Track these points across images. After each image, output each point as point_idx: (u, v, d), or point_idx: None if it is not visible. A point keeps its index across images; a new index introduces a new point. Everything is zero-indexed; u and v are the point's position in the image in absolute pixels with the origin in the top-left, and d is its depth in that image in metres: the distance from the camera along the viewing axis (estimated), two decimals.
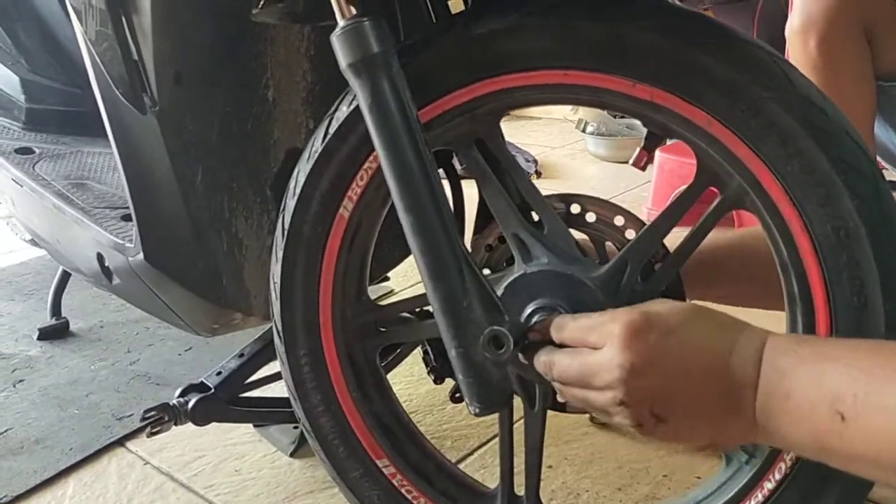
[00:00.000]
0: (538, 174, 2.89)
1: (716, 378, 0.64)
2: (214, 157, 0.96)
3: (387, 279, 1.73)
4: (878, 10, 1.25)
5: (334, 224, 0.86)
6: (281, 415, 1.27)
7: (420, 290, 0.76)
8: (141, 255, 1.00)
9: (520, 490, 0.91)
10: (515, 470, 0.90)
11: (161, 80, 0.90)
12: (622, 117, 2.98)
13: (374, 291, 0.92)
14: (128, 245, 1.04)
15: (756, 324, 0.68)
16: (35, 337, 1.75)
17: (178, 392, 1.20)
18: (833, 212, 0.69)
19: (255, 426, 1.40)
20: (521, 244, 0.81)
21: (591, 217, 0.84)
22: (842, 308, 0.71)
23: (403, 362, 1.35)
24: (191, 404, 1.17)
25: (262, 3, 0.85)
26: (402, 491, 0.92)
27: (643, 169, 0.83)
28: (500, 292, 0.79)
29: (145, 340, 1.74)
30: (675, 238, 0.79)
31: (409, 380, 1.53)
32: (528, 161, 2.95)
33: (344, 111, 0.82)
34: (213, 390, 1.20)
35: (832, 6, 1.24)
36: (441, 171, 1.06)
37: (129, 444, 1.38)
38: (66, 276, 1.79)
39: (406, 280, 1.90)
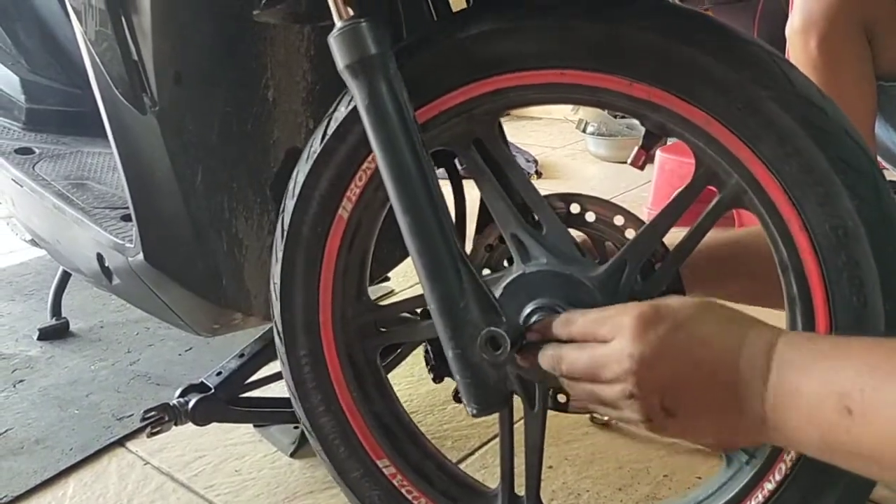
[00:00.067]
0: (538, 174, 2.90)
1: (725, 371, 0.64)
2: (214, 157, 0.96)
3: (387, 279, 1.73)
4: (878, 10, 1.25)
5: (333, 224, 0.86)
6: (281, 415, 1.27)
7: (420, 290, 0.76)
8: (141, 256, 1.00)
9: (520, 490, 0.91)
10: (516, 470, 0.90)
11: (161, 80, 0.90)
12: (623, 117, 2.99)
13: (374, 292, 0.92)
14: (128, 245, 1.04)
15: None
16: (35, 337, 1.75)
17: (178, 392, 1.20)
18: (832, 211, 0.69)
19: (255, 426, 1.40)
20: (519, 244, 0.81)
21: (590, 217, 0.84)
22: (841, 307, 0.71)
23: (404, 362, 1.35)
24: (191, 404, 1.17)
25: (263, 3, 0.85)
26: (403, 491, 0.92)
27: (642, 168, 0.83)
28: (498, 293, 0.79)
29: (145, 340, 1.74)
30: (675, 238, 0.79)
31: (409, 380, 1.53)
32: (529, 161, 2.95)
33: (342, 112, 0.83)
34: (213, 390, 1.20)
35: (832, 6, 1.24)
36: (443, 171, 1.06)
37: (130, 445, 1.38)
38: (66, 277, 1.79)
39: (406, 280, 1.90)
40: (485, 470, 1.27)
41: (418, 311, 0.94)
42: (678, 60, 0.72)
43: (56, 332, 1.76)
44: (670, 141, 2.08)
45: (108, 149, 1.03)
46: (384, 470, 0.92)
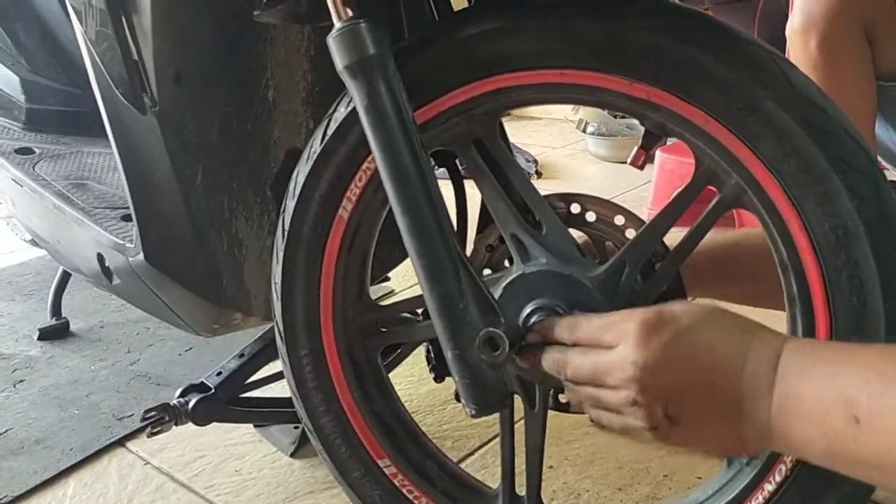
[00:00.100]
0: (538, 174, 2.90)
1: (729, 379, 0.64)
2: (214, 157, 0.96)
3: (387, 279, 1.73)
4: (878, 10, 1.25)
5: (334, 225, 0.86)
6: (281, 415, 1.27)
7: (421, 290, 0.76)
8: (141, 256, 1.00)
9: (521, 490, 0.91)
10: (516, 470, 0.90)
11: (161, 80, 0.90)
12: (623, 117, 2.99)
13: (374, 292, 0.92)
14: (128, 245, 1.04)
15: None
16: (35, 337, 1.75)
17: (178, 392, 1.20)
18: (832, 211, 0.69)
19: (255, 426, 1.40)
20: (519, 244, 0.81)
21: (591, 216, 0.84)
22: (841, 308, 0.71)
23: (404, 362, 1.35)
24: (191, 404, 1.17)
25: (264, 3, 0.85)
26: (404, 491, 0.92)
27: (641, 168, 0.83)
28: (498, 293, 0.79)
29: (146, 341, 1.74)
30: (675, 238, 0.79)
31: (409, 380, 1.53)
32: (529, 161, 2.95)
33: (342, 112, 0.83)
34: (213, 390, 1.20)
35: (833, 6, 1.24)
36: (444, 171, 1.06)
37: (130, 445, 1.38)
38: (66, 277, 1.79)
39: (406, 280, 1.90)
40: (485, 470, 1.27)
41: (419, 311, 0.94)
42: (678, 60, 0.72)
43: (56, 332, 1.76)
44: (670, 141, 2.08)
45: (108, 149, 1.03)
46: (385, 470, 0.92)
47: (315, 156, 0.84)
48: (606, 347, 0.68)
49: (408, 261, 0.76)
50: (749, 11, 2.05)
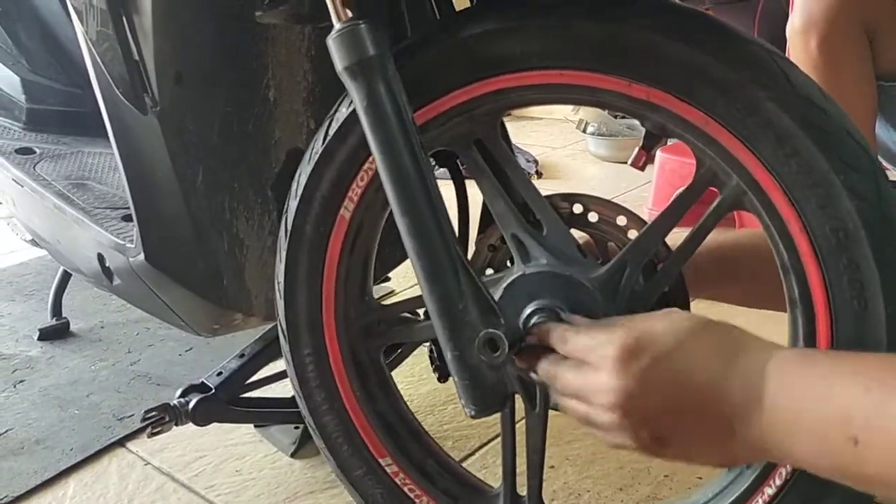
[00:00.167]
0: (539, 174, 2.90)
1: (714, 397, 0.63)
2: (215, 158, 0.96)
3: (388, 279, 1.73)
4: (878, 10, 1.25)
5: (335, 225, 0.86)
6: (282, 415, 1.27)
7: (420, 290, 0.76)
8: (141, 256, 1.00)
9: (522, 490, 0.91)
10: (517, 470, 0.90)
11: (162, 80, 0.90)
12: (623, 117, 2.99)
13: (374, 291, 0.92)
14: (128, 245, 1.04)
15: (761, 324, 0.67)
16: (35, 337, 1.75)
17: (178, 392, 1.20)
18: (832, 212, 0.69)
19: (255, 426, 1.40)
20: (520, 245, 0.81)
21: (593, 217, 0.83)
22: (842, 310, 0.71)
23: (404, 362, 1.35)
24: (191, 405, 1.17)
25: (266, 3, 0.85)
26: (405, 489, 0.92)
27: (642, 169, 0.83)
28: (499, 293, 0.79)
29: (146, 341, 1.74)
30: (676, 239, 0.79)
31: (410, 380, 1.53)
32: (529, 161, 2.95)
33: (343, 112, 0.83)
34: (213, 391, 1.20)
35: (833, 6, 1.24)
36: (445, 171, 1.06)
37: (130, 445, 1.38)
38: (66, 277, 1.79)
39: (407, 280, 1.90)
40: (485, 470, 1.27)
41: (421, 311, 0.94)
42: (678, 60, 0.72)
43: (56, 333, 1.76)
44: (671, 141, 2.08)
45: (108, 149, 1.03)
46: (387, 468, 0.92)
47: (317, 156, 0.84)
48: (593, 367, 0.67)
49: (408, 261, 0.76)
50: (749, 11, 2.05)
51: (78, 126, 1.59)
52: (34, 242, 1.64)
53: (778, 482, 0.76)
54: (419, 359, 1.49)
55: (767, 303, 0.92)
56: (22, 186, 1.31)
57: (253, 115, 0.97)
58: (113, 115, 0.97)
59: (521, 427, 0.87)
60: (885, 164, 1.44)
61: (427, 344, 0.99)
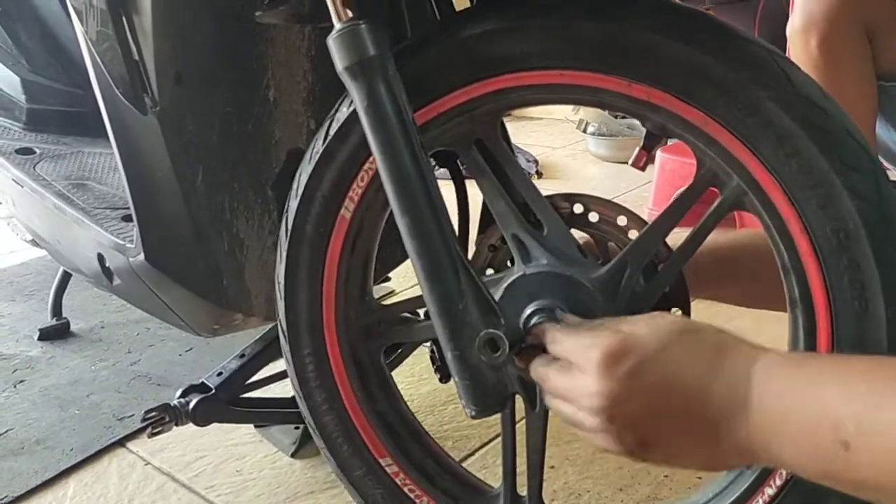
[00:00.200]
0: (539, 174, 2.90)
1: (698, 403, 0.62)
2: (215, 158, 0.96)
3: (388, 279, 1.73)
4: (879, 10, 1.25)
5: (336, 225, 0.86)
6: (282, 415, 1.27)
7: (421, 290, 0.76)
8: (141, 256, 1.00)
9: (522, 490, 0.91)
10: (518, 470, 0.90)
11: (162, 80, 0.90)
12: (623, 117, 2.99)
13: (375, 292, 0.92)
14: (128, 245, 1.04)
15: (761, 324, 0.67)
16: (36, 337, 1.75)
17: (178, 392, 1.20)
18: (833, 213, 0.69)
19: (255, 427, 1.40)
20: (520, 245, 0.81)
21: (593, 217, 0.83)
22: (842, 311, 0.70)
23: (405, 362, 1.35)
24: (192, 405, 1.17)
25: (266, 3, 0.85)
26: (405, 490, 0.92)
27: (643, 169, 0.83)
28: (499, 293, 0.79)
29: (146, 341, 1.74)
30: (677, 239, 0.78)
31: (410, 380, 1.53)
32: (529, 161, 2.95)
33: (344, 112, 0.83)
34: (214, 391, 1.20)
35: (833, 6, 1.24)
36: (445, 171, 1.06)
37: (130, 445, 1.38)
38: (66, 277, 1.79)
39: (407, 280, 1.90)
40: (486, 470, 1.27)
41: (421, 311, 0.94)
42: (678, 60, 0.71)
43: (57, 333, 1.76)
44: (671, 141, 2.08)
45: (108, 149, 1.03)
46: (387, 468, 0.92)
47: (317, 156, 0.84)
48: (579, 369, 0.67)
49: (408, 261, 0.76)
50: (750, 11, 2.05)
51: (78, 126, 1.59)
52: (34, 242, 1.64)
53: (778, 482, 0.76)
54: (419, 359, 1.49)
55: (768, 303, 0.92)
56: (22, 186, 1.31)
57: (253, 115, 0.97)
58: (113, 116, 0.97)
59: (521, 427, 0.87)
60: (885, 163, 1.44)
61: (428, 344, 0.99)
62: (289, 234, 0.87)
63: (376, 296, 0.94)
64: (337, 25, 0.72)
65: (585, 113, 3.13)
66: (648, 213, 2.26)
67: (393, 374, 0.96)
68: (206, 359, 1.64)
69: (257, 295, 1.03)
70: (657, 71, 0.72)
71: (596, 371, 0.64)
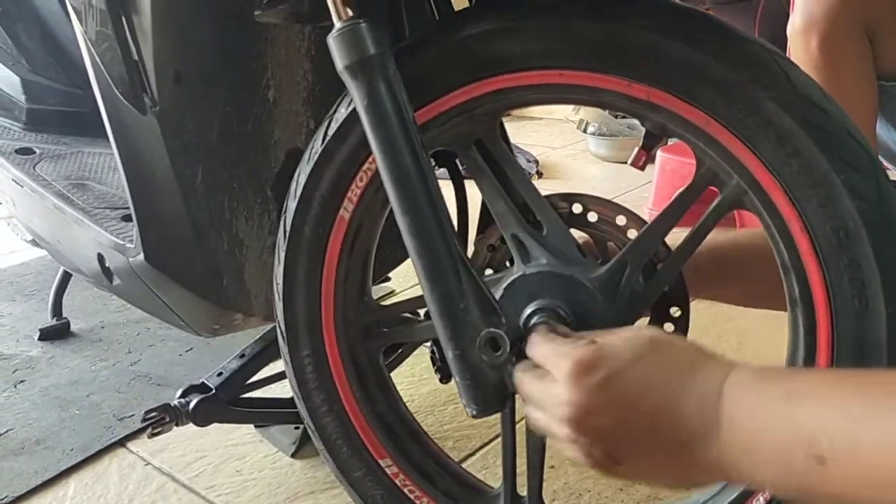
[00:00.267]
0: (539, 174, 2.90)
1: (670, 417, 0.61)
2: (215, 158, 0.96)
3: (387, 279, 1.73)
4: (879, 10, 1.25)
5: (335, 225, 0.86)
6: (282, 415, 1.27)
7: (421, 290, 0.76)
8: (141, 256, 1.00)
9: (522, 490, 0.91)
10: (518, 470, 0.90)
11: (161, 80, 0.90)
12: (623, 117, 2.98)
13: (374, 292, 0.92)
14: (128, 245, 1.04)
15: (761, 324, 0.67)
16: (36, 337, 1.75)
17: (179, 393, 1.20)
18: (833, 212, 0.69)
19: (256, 427, 1.40)
20: (520, 245, 0.80)
21: (593, 217, 0.83)
22: (842, 309, 0.70)
23: (405, 363, 1.35)
24: (192, 405, 1.17)
25: (265, 3, 0.85)
26: (405, 491, 0.92)
27: (642, 169, 0.83)
28: (499, 293, 0.79)
29: (146, 341, 1.74)
30: (676, 238, 0.78)
31: (410, 380, 1.53)
32: (530, 161, 2.95)
33: (343, 112, 0.82)
34: (214, 391, 1.20)
35: (834, 6, 1.24)
36: (444, 171, 1.06)
37: (131, 445, 1.38)
38: (66, 277, 1.79)
39: (407, 280, 1.90)
40: (486, 470, 1.27)
41: (420, 311, 0.94)
42: (678, 60, 0.71)
43: (57, 333, 1.76)
44: (671, 141, 2.08)
45: (108, 149, 1.03)
46: (386, 469, 0.92)
47: (316, 156, 0.84)
48: (552, 377, 0.66)
49: (408, 261, 0.76)
50: (750, 11, 2.05)
51: (78, 126, 1.59)
52: (34, 243, 1.64)
53: None
54: (419, 359, 1.49)
55: (767, 302, 0.92)
56: (22, 186, 1.31)
57: (252, 115, 0.97)
58: (112, 116, 0.97)
59: (521, 427, 0.87)
60: (885, 163, 1.44)
61: (428, 344, 0.99)
62: (287, 234, 0.87)
63: (376, 296, 0.94)
64: (337, 24, 0.72)
65: (585, 113, 3.13)
66: (648, 212, 2.26)
67: (393, 374, 0.96)
68: (207, 359, 1.64)
69: (257, 295, 1.03)
70: (657, 71, 0.72)
71: (566, 380, 0.63)
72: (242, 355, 1.25)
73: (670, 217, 0.77)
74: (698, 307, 0.84)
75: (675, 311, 0.82)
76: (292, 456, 1.32)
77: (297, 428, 1.34)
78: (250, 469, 1.30)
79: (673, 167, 2.21)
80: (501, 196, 0.81)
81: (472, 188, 0.93)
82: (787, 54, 1.22)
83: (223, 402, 1.20)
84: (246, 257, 1.01)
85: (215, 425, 1.23)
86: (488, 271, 0.88)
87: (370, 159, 0.82)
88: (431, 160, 0.98)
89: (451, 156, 1.06)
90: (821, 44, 1.25)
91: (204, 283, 1.00)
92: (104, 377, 1.59)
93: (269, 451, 1.35)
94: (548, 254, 0.79)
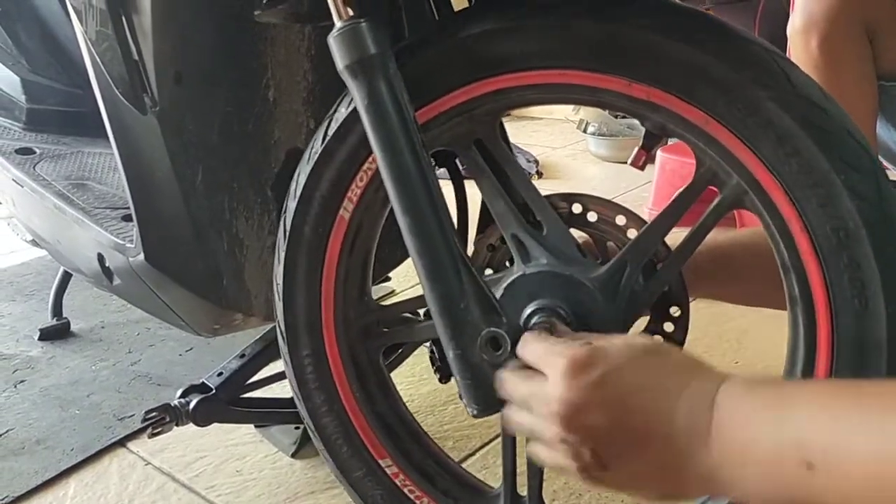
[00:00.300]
0: (539, 174, 2.90)
1: (659, 422, 0.60)
2: (215, 157, 0.96)
3: (388, 279, 1.73)
4: (879, 10, 1.25)
5: (335, 225, 0.86)
6: (282, 415, 1.27)
7: (422, 290, 0.76)
8: (141, 256, 1.00)
9: (522, 490, 0.91)
10: (518, 470, 0.90)
11: (161, 80, 0.90)
12: (623, 117, 2.99)
13: (374, 292, 0.92)
14: (128, 245, 1.04)
15: (762, 324, 0.67)
16: (36, 337, 1.75)
17: (179, 393, 1.20)
18: (833, 212, 0.69)
19: (256, 427, 1.40)
20: (520, 245, 0.80)
21: (592, 217, 0.84)
22: (842, 309, 0.70)
23: (405, 363, 1.35)
24: (192, 405, 1.17)
25: (265, 3, 0.85)
26: (405, 491, 0.92)
27: (642, 168, 0.83)
28: (499, 293, 0.79)
29: (146, 341, 1.74)
30: (676, 238, 0.78)
31: (410, 380, 1.53)
32: (530, 161, 2.95)
33: (343, 112, 0.82)
34: (214, 391, 1.20)
35: (834, 6, 1.24)
36: (444, 171, 1.06)
37: (131, 445, 1.38)
38: (66, 277, 1.79)
39: (407, 280, 1.90)
40: (486, 470, 1.26)
41: (420, 311, 0.94)
42: (678, 60, 0.71)
43: (57, 333, 1.76)
44: (671, 141, 2.08)
45: (108, 149, 1.03)
46: (386, 469, 0.92)
47: (316, 156, 0.84)
48: (542, 375, 0.66)
49: (408, 261, 0.76)
50: (750, 11, 2.05)
51: (78, 126, 1.59)
52: (34, 243, 1.64)
53: None
54: (419, 359, 1.49)
55: (767, 302, 0.92)
56: (22, 186, 1.31)
57: (252, 114, 0.97)
58: (112, 115, 0.97)
59: None
60: (885, 163, 1.44)
61: (428, 344, 0.99)
62: (287, 234, 0.87)
63: (376, 296, 0.94)
64: (338, 24, 0.72)
65: (585, 113, 3.13)
66: (648, 212, 2.26)
67: (393, 374, 0.96)
68: (207, 359, 1.64)
69: (257, 295, 1.03)
70: (657, 71, 0.72)
71: (560, 377, 0.63)
72: (242, 355, 1.25)
73: (670, 217, 0.77)
74: (698, 307, 0.84)
75: (675, 311, 0.82)
76: (292, 456, 1.32)
77: (297, 428, 1.34)
78: (250, 469, 1.30)
79: (673, 167, 2.21)
80: (501, 196, 0.81)
81: (471, 188, 0.93)
82: (787, 54, 1.22)
83: (223, 402, 1.20)
84: (246, 257, 1.01)
85: (215, 425, 1.23)
86: (488, 271, 0.88)
87: (370, 159, 0.82)
88: (431, 160, 0.98)
89: (450, 156, 1.06)
90: (821, 44, 1.25)
91: (204, 283, 1.00)
92: (104, 377, 1.59)
93: (269, 451, 1.35)
94: (548, 254, 0.79)
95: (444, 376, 0.98)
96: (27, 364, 1.65)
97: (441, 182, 0.76)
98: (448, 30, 0.80)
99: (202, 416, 1.18)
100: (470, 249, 0.90)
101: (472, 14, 0.80)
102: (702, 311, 0.80)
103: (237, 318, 1.04)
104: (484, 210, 0.89)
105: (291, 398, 0.95)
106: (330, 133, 0.83)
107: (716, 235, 0.79)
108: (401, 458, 0.93)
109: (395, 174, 0.72)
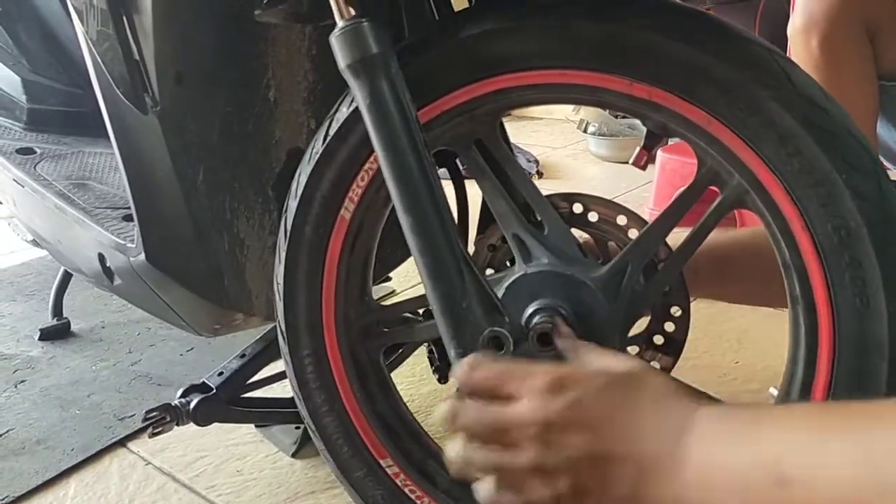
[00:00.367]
0: (539, 174, 2.90)
1: (636, 447, 0.59)
2: (216, 157, 0.96)
3: (388, 279, 1.73)
4: (879, 10, 1.25)
5: (336, 225, 0.86)
6: (283, 415, 1.27)
7: (423, 289, 0.76)
8: (142, 256, 1.00)
9: None
10: None
11: (162, 79, 0.90)
12: (624, 117, 2.99)
13: (375, 292, 0.92)
14: (129, 245, 1.04)
15: (761, 324, 0.67)
16: (36, 337, 1.75)
17: (179, 392, 1.20)
18: (834, 211, 0.69)
19: (256, 427, 1.40)
20: (521, 245, 0.81)
21: (593, 217, 0.84)
22: (844, 308, 0.71)
23: (405, 362, 1.35)
24: (192, 405, 1.17)
25: (265, 3, 0.85)
26: (406, 490, 0.92)
27: (643, 168, 0.83)
28: (500, 293, 0.79)
29: (147, 341, 1.74)
30: (677, 238, 0.79)
31: (410, 380, 1.52)
32: (530, 161, 2.95)
33: (344, 112, 0.83)
34: (214, 391, 1.20)
35: (834, 6, 1.24)
36: (445, 171, 1.06)
37: (131, 445, 1.38)
38: (67, 277, 1.79)
39: (408, 280, 1.90)
40: None
41: (421, 311, 0.94)
42: (679, 60, 0.72)
43: (57, 333, 1.76)
44: (672, 141, 2.08)
45: (109, 149, 1.03)
46: (387, 469, 0.92)
47: (317, 156, 0.84)
48: (505, 398, 0.63)
49: (409, 260, 0.76)
50: (750, 11, 2.05)
51: (78, 126, 1.59)
52: (35, 243, 1.64)
53: None
54: (419, 359, 1.49)
55: (768, 301, 0.92)
56: (23, 186, 1.31)
57: (253, 114, 0.97)
58: (113, 115, 0.97)
59: None
60: (886, 163, 1.44)
61: (427, 345, 0.99)
62: (288, 234, 0.87)
63: (376, 296, 0.94)
64: (339, 23, 0.72)
65: (586, 113, 3.14)
66: (649, 212, 2.26)
67: (393, 374, 0.96)
68: (207, 359, 1.64)
69: (258, 295, 1.03)
70: (658, 70, 0.72)
71: (538, 397, 0.61)
72: (243, 355, 1.25)
73: (671, 217, 0.77)
74: (698, 307, 0.84)
75: (675, 311, 0.82)
76: (293, 456, 1.32)
77: (297, 428, 1.34)
78: (251, 469, 1.30)
79: (674, 167, 2.21)
80: (502, 196, 0.81)
81: (472, 188, 0.93)
82: (788, 54, 1.22)
83: (224, 402, 1.20)
84: (247, 257, 1.01)
85: (216, 425, 1.23)
86: (489, 271, 0.88)
87: (371, 159, 0.82)
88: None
89: (451, 155, 1.06)
90: (821, 43, 1.25)
91: (205, 283, 1.00)
92: (105, 377, 1.59)
93: (269, 451, 1.35)
94: (549, 253, 0.79)
95: (444, 376, 0.98)
96: (27, 364, 1.65)
97: (442, 182, 0.76)
98: (448, 30, 0.80)
99: (203, 416, 1.18)
100: (471, 249, 0.90)
101: (472, 14, 0.80)
102: (702, 310, 0.80)
103: (238, 318, 1.04)
104: (484, 210, 0.89)
105: (292, 398, 0.95)
106: (331, 133, 0.83)
107: (716, 235, 0.79)
108: (401, 457, 0.93)
109: (397, 173, 0.72)
